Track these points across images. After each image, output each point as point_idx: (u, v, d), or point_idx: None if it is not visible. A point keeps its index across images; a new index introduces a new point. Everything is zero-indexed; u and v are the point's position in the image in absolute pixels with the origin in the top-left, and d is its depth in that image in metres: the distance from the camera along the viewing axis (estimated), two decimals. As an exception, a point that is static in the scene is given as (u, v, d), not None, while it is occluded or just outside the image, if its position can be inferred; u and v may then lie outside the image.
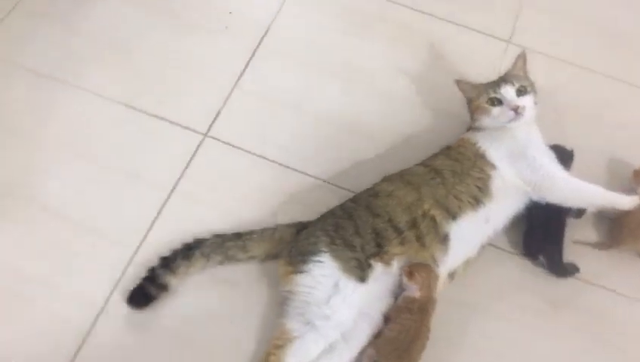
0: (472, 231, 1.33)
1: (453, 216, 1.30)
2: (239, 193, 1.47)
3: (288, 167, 1.53)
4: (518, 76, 1.41)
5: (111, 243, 1.37)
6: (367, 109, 1.64)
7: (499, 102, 1.37)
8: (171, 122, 1.57)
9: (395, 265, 1.27)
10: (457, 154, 1.38)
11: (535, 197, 1.37)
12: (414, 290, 1.24)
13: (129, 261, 1.35)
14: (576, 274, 1.37)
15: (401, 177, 1.36)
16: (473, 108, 1.43)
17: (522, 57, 1.44)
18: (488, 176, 1.35)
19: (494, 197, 1.34)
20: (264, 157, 1.53)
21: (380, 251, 1.26)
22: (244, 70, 1.67)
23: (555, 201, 1.36)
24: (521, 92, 1.37)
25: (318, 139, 1.58)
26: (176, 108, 1.58)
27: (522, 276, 1.39)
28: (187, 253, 1.31)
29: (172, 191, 1.46)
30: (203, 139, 1.55)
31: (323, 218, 1.32)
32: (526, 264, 1.40)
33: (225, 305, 1.32)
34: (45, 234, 1.38)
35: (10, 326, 1.26)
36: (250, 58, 1.69)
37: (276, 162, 1.54)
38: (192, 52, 1.70)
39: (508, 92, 1.36)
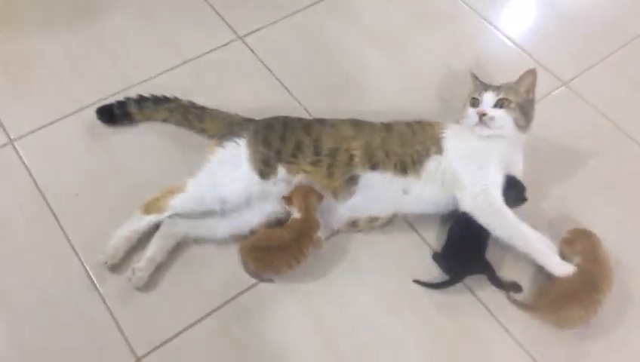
0: (385, 191, 1.34)
1: (372, 165, 1.33)
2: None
3: (287, 89, 1.67)
4: (513, 90, 1.37)
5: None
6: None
7: (476, 104, 1.37)
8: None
9: (297, 180, 1.34)
10: (419, 129, 1.40)
11: (461, 208, 1.33)
12: (295, 212, 1.30)
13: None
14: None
15: (357, 121, 1.42)
16: (464, 103, 1.44)
17: (532, 74, 1.39)
18: (427, 155, 1.35)
19: (422, 176, 1.34)
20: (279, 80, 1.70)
21: (291, 161, 1.34)
22: None
23: (481, 222, 1.32)
24: (500, 104, 1.35)
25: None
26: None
27: (426, 267, 1.36)
28: (159, 100, 1.53)
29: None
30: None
31: (266, 118, 1.44)
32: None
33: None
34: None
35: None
36: None
37: (286, 87, 1.69)
38: None
39: (487, 98, 1.35)
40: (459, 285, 1.31)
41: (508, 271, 1.34)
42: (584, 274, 1.27)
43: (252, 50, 1.75)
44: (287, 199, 1.30)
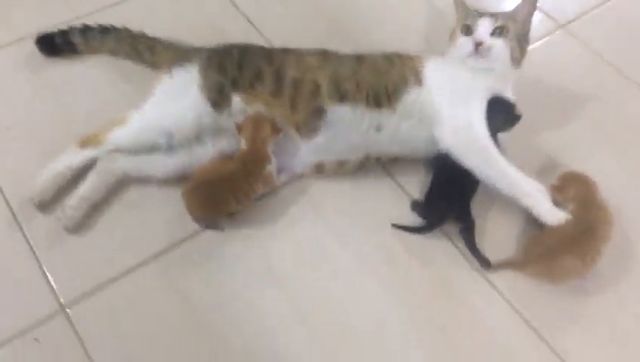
0: (355, 127, 1.17)
1: (341, 96, 1.16)
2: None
3: (252, 24, 1.51)
4: (511, 18, 1.20)
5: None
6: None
7: (469, 31, 1.20)
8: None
9: (255, 109, 1.17)
10: (397, 60, 1.23)
11: (441, 145, 1.17)
12: (243, 143, 1.14)
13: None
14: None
15: (326, 51, 1.25)
16: (452, 33, 1.26)
17: (530, 2, 1.22)
18: (405, 86, 1.18)
19: (398, 110, 1.17)
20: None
21: (249, 90, 1.17)
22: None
23: (462, 162, 1.15)
24: (498, 32, 1.18)
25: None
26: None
27: (402, 215, 1.19)
28: (106, 30, 1.36)
29: None
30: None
31: (223, 44, 1.27)
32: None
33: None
34: None
35: None
36: None
37: (247, 16, 1.52)
38: None
39: (483, 25, 1.18)
40: (440, 235, 1.16)
41: (493, 225, 1.18)
42: (579, 221, 1.11)
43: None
44: (238, 127, 1.14)
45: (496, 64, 1.19)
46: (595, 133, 1.36)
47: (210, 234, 1.14)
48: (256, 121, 1.15)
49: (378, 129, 1.18)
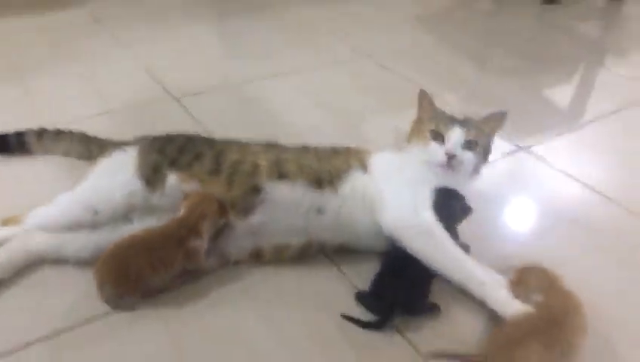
0: (295, 208, 1.10)
1: (280, 175, 1.12)
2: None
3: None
4: (480, 130, 1.17)
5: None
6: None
7: (440, 139, 1.15)
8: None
9: (189, 187, 1.11)
10: (344, 151, 1.22)
11: (384, 228, 1.08)
12: (181, 211, 1.06)
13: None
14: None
15: (272, 142, 1.23)
16: (414, 129, 1.22)
17: (502, 117, 1.19)
18: (348, 171, 1.14)
19: (341, 192, 1.11)
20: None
21: (185, 169, 1.13)
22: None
23: (406, 246, 1.05)
24: (469, 146, 1.14)
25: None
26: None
27: (345, 303, 1.05)
28: (60, 131, 1.39)
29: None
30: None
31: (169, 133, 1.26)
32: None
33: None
34: None
35: None
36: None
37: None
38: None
39: (456, 135, 1.13)
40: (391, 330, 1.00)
41: (455, 321, 1.03)
42: (543, 310, 0.97)
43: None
44: (185, 195, 1.08)
45: (461, 176, 1.16)
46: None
47: (119, 316, 0.99)
48: (205, 197, 1.08)
49: (320, 211, 1.10)
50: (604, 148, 1.59)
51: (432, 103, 1.21)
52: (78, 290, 1.03)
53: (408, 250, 1.05)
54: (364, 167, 1.16)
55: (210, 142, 1.22)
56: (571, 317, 0.96)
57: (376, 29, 2.36)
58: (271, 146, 1.20)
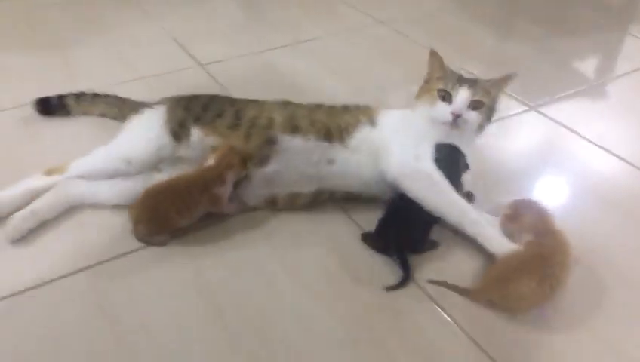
0: (307, 159, 1.19)
1: (293, 129, 1.21)
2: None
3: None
4: (486, 91, 1.21)
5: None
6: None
7: (448, 99, 1.20)
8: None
9: (211, 142, 1.22)
10: (354, 108, 1.29)
11: (387, 176, 1.17)
12: (209, 160, 1.17)
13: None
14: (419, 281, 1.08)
15: (288, 101, 1.33)
16: (423, 88, 1.27)
17: (509, 78, 1.23)
18: (357, 125, 1.23)
19: (348, 144, 1.20)
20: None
21: (208, 125, 1.24)
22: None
23: (408, 192, 1.14)
24: (475, 106, 1.19)
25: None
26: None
27: (353, 247, 1.15)
28: (97, 95, 1.51)
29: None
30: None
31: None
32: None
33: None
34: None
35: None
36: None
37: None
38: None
39: (463, 96, 1.18)
40: (394, 266, 1.09)
41: (455, 261, 1.12)
42: (533, 246, 1.05)
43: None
44: (213, 148, 1.19)
45: (466, 133, 1.22)
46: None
47: (150, 251, 1.11)
48: (231, 149, 1.18)
49: (330, 162, 1.20)
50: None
51: (441, 63, 1.26)
52: (115, 230, 1.15)
53: (409, 194, 1.13)
54: (372, 122, 1.24)
55: (231, 100, 1.32)
56: (559, 255, 1.03)
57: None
58: (286, 103, 1.30)
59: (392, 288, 1.05)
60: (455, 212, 1.11)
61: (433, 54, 1.27)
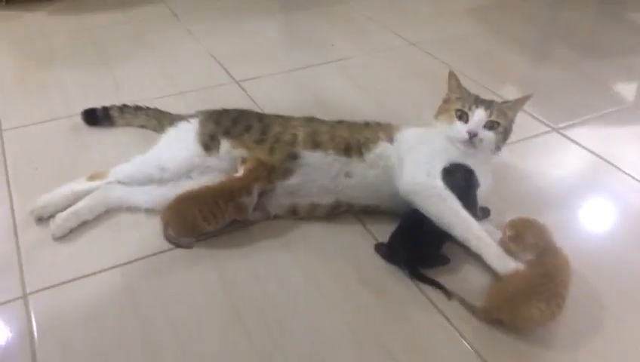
0: (326, 172, 1.27)
1: (314, 145, 1.29)
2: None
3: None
4: (503, 112, 1.26)
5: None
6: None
7: (465, 118, 1.25)
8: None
9: (238, 154, 1.31)
10: (374, 124, 1.36)
11: (400, 191, 1.23)
12: (239, 171, 1.27)
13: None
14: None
15: (312, 117, 1.41)
16: (442, 107, 1.32)
17: (525, 99, 1.29)
18: (376, 141, 1.29)
19: (367, 159, 1.27)
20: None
21: (236, 138, 1.34)
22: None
23: (419, 206, 1.20)
24: (491, 126, 1.24)
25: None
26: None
27: (368, 256, 1.22)
28: (139, 107, 1.64)
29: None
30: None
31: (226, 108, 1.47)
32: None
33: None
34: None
35: None
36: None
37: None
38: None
39: (479, 116, 1.23)
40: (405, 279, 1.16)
41: (462, 278, 1.17)
42: (537, 266, 1.08)
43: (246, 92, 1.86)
44: (243, 160, 1.28)
45: (481, 153, 1.27)
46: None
47: (178, 253, 1.21)
48: (260, 163, 1.27)
49: (347, 175, 1.27)
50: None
51: (459, 83, 1.32)
52: (147, 231, 1.25)
53: (420, 209, 1.19)
54: (390, 139, 1.30)
55: (259, 116, 1.41)
56: (562, 272, 1.06)
57: (426, 21, 2.48)
58: (310, 120, 1.38)
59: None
60: (461, 228, 1.16)
61: (451, 75, 1.33)
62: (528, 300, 1.02)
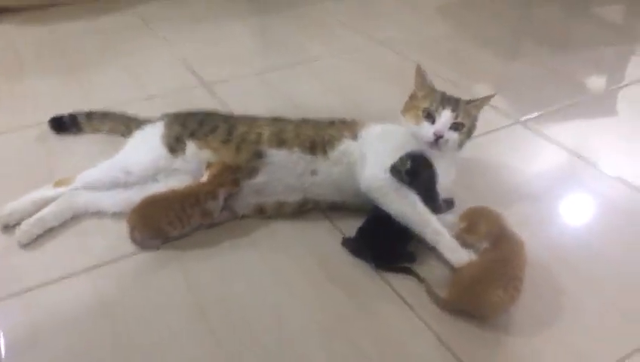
0: (292, 170, 1.28)
1: (279, 143, 1.30)
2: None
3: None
4: (468, 112, 1.27)
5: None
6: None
7: (431, 119, 1.25)
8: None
9: (205, 155, 1.32)
10: (339, 122, 1.37)
11: (361, 186, 1.25)
12: (204, 177, 1.27)
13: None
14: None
15: (278, 117, 1.41)
16: (408, 104, 1.31)
17: (489, 98, 1.30)
18: (340, 138, 1.31)
19: (331, 157, 1.29)
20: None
21: (202, 139, 1.34)
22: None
23: (378, 202, 1.22)
24: (455, 127, 1.25)
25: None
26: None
27: (335, 251, 1.23)
28: (107, 113, 1.63)
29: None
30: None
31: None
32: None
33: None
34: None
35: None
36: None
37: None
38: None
39: (446, 117, 1.23)
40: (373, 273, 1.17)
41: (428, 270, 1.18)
42: (492, 253, 1.10)
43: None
44: (208, 164, 1.28)
45: (450, 150, 1.28)
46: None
47: (145, 255, 1.21)
48: (225, 167, 1.27)
49: (313, 173, 1.28)
50: None
51: (425, 80, 1.31)
52: (114, 236, 1.25)
53: (379, 205, 1.20)
54: (354, 136, 1.31)
55: (225, 117, 1.42)
56: (517, 256, 1.08)
57: (395, 20, 2.51)
58: (275, 120, 1.39)
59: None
60: (419, 223, 1.17)
61: (418, 70, 1.32)
62: (486, 288, 1.04)
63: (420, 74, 1.32)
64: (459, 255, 1.13)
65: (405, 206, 1.19)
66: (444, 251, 1.15)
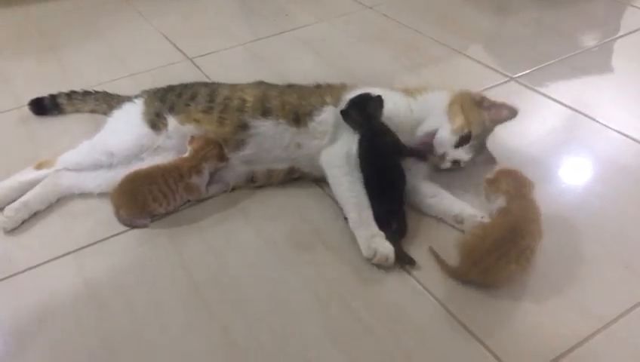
0: (278, 141, 1.25)
1: (264, 112, 1.26)
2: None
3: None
4: (479, 135, 1.23)
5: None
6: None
7: (462, 143, 1.23)
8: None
9: (187, 130, 1.27)
10: (325, 87, 1.33)
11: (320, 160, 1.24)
12: (187, 152, 1.23)
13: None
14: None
15: (262, 81, 1.38)
16: (468, 111, 1.24)
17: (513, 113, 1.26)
18: (321, 106, 1.26)
19: (311, 127, 1.24)
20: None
21: (183, 110, 1.29)
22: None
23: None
24: (472, 150, 1.23)
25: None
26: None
27: (325, 217, 1.20)
28: (88, 92, 1.58)
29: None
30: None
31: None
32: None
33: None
34: None
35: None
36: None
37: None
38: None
39: (460, 153, 1.23)
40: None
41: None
42: (506, 218, 1.05)
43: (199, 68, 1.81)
44: (190, 140, 1.24)
45: None
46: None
47: (133, 233, 1.18)
48: (208, 141, 1.23)
49: (299, 146, 1.24)
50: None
51: (473, 106, 1.25)
52: (101, 216, 1.22)
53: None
54: (336, 101, 1.26)
55: (205, 83, 1.38)
56: (530, 224, 1.03)
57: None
58: (259, 84, 1.35)
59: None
60: (351, 207, 1.13)
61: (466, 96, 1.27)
62: (497, 261, 1.00)
63: (467, 98, 1.27)
64: (370, 247, 1.07)
65: (346, 191, 1.16)
66: (359, 240, 1.10)
